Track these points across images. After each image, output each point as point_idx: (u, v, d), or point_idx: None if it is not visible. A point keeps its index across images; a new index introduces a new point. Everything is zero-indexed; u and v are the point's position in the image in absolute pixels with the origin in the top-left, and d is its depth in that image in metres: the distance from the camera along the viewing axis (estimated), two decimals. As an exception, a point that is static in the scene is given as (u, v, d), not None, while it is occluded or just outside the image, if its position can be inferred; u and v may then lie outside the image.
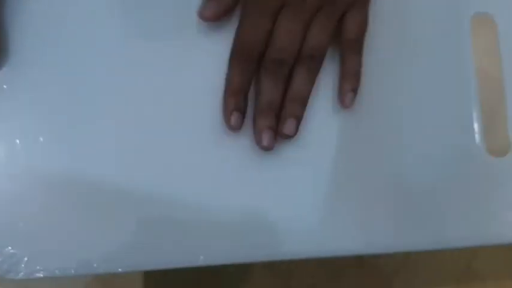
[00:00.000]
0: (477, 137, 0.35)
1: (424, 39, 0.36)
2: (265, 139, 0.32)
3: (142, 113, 0.32)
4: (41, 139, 0.31)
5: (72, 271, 0.30)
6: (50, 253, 0.30)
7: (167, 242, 0.31)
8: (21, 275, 0.30)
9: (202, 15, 0.33)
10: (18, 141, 0.31)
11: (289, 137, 0.33)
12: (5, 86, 0.31)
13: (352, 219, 0.33)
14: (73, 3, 0.33)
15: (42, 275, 0.30)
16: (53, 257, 0.30)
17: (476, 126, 0.36)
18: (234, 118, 0.32)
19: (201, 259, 0.31)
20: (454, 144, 0.35)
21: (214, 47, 0.33)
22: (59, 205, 0.31)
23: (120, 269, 0.31)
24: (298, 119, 0.33)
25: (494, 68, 0.37)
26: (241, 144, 0.33)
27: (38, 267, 0.30)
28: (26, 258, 0.30)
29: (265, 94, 0.32)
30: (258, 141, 0.32)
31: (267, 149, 0.32)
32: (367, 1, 0.34)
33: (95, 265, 0.30)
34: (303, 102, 0.33)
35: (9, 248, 0.30)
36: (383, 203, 0.33)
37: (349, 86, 0.34)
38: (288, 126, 0.32)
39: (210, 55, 0.33)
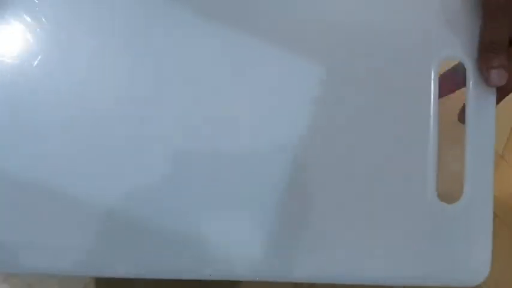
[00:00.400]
0: (429, 181, 0.36)
1: (386, 80, 0.36)
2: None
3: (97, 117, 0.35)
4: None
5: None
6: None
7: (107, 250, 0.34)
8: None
9: (493, 83, 0.36)
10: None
11: None
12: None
13: (297, 246, 0.35)
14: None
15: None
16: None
17: (430, 170, 0.36)
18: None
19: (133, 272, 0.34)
20: (405, 188, 0.36)
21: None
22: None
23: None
24: None
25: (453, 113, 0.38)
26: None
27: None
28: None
29: None
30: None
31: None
32: None
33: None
34: None
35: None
36: (334, 236, 0.35)
37: None
38: None
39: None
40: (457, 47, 0.37)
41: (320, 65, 0.36)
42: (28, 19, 0.35)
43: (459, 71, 0.37)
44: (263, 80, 0.35)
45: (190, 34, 0.35)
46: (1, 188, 0.34)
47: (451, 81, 0.38)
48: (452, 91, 0.38)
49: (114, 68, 0.35)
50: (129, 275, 0.34)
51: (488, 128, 0.36)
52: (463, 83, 0.37)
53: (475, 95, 0.36)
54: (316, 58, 0.36)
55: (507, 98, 0.38)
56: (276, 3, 0.36)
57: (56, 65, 0.34)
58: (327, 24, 0.36)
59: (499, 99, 0.37)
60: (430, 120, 0.36)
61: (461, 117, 0.37)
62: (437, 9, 0.37)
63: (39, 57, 0.34)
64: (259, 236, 0.34)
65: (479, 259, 0.36)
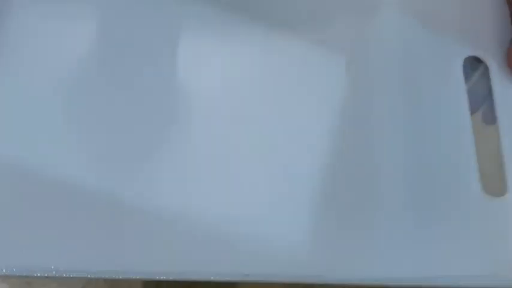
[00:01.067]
0: (474, 176, 0.36)
1: (422, 83, 0.37)
2: None
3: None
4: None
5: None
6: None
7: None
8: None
9: None
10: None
11: None
12: None
13: (334, 245, 0.33)
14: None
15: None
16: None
17: (473, 166, 0.36)
18: None
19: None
20: (451, 183, 0.36)
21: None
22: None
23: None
24: None
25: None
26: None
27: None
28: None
29: None
30: None
31: None
32: None
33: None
34: None
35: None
36: (373, 235, 0.34)
37: None
38: None
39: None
40: (481, 47, 0.38)
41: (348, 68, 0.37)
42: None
43: None
44: (284, 78, 0.36)
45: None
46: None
47: None
48: None
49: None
50: (163, 275, 0.32)
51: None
52: None
53: (501, 93, 0.37)
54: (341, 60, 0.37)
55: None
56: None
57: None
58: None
59: None
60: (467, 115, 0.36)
61: (488, 117, 0.38)
62: (462, 9, 0.38)
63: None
64: (297, 236, 0.33)
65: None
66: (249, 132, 0.34)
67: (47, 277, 0.32)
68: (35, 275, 0.31)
